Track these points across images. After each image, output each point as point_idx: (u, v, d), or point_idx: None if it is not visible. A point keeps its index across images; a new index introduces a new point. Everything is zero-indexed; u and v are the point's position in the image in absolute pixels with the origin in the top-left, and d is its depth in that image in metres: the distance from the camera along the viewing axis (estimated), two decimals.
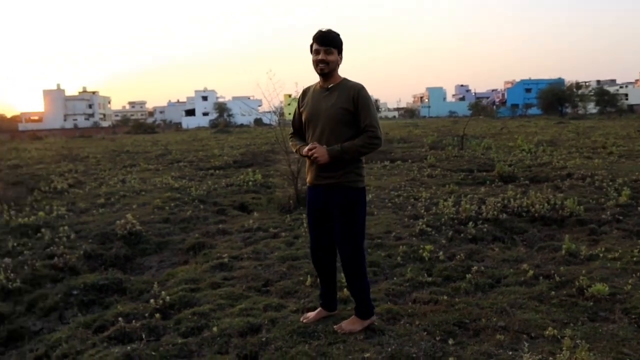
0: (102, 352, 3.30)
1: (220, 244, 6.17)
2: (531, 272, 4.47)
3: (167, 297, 4.08)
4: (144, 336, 3.45)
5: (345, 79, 3.44)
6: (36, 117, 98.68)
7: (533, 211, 6.67)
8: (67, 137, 45.90)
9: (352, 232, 3.39)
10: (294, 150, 3.60)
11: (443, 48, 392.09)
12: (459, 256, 5.04)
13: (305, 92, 3.61)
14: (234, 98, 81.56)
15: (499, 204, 6.99)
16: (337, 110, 3.29)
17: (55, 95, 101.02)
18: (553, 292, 4.02)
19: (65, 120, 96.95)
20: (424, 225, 6.13)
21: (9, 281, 4.79)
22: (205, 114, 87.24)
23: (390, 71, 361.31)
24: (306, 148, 3.32)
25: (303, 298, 4.12)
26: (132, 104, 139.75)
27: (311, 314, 3.63)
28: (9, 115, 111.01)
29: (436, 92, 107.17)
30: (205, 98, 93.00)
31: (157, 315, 3.76)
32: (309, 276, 4.49)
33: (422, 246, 5.30)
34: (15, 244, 6.14)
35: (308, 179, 3.53)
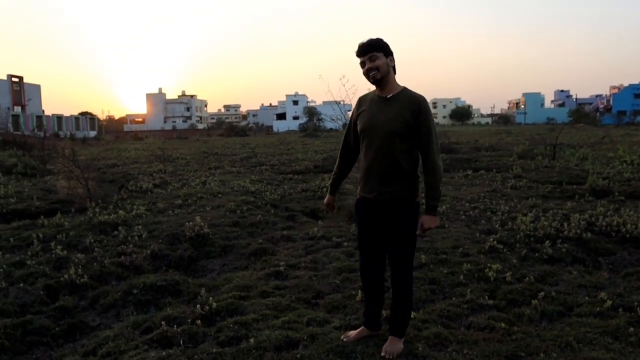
0: (141, 355, 3.33)
1: (282, 250, 6.12)
2: (609, 302, 3.98)
3: (214, 304, 4.07)
4: (182, 342, 3.45)
5: (405, 89, 3.22)
6: (140, 119, 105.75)
7: (624, 231, 6.04)
8: (165, 138, 48.70)
9: (407, 250, 3.23)
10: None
11: (542, 51, 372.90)
12: (528, 278, 4.63)
13: (361, 100, 3.39)
14: (324, 102, 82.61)
15: (584, 221, 6.40)
16: (397, 123, 3.10)
17: (156, 99, 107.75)
18: (632, 329, 3.54)
19: (165, 122, 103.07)
20: (495, 242, 5.72)
21: (77, 276, 5.02)
22: (295, 117, 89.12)
23: (485, 76, 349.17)
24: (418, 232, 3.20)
25: (350, 314, 3.94)
26: (227, 107, 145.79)
27: (352, 333, 3.46)
28: (117, 117, 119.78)
29: (533, 98, 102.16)
30: (296, 102, 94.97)
31: (199, 322, 3.75)
32: (359, 291, 4.30)
33: (489, 265, 4.93)
34: (92, 241, 6.47)
35: (360, 191, 3.36)
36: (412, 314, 3.83)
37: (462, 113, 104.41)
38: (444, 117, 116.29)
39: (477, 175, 12.22)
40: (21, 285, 4.88)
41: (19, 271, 5.29)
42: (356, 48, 3.17)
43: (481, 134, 35.40)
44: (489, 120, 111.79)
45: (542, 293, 4.20)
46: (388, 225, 3.20)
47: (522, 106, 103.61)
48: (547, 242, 5.63)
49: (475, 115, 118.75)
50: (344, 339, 3.39)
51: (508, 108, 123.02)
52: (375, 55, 3.11)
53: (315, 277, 4.89)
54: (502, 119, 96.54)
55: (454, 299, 4.26)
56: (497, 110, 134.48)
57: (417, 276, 4.81)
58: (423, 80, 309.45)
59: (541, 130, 38.64)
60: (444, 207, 7.95)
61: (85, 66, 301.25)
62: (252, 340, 3.39)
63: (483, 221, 7.10)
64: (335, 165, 3.59)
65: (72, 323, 4.25)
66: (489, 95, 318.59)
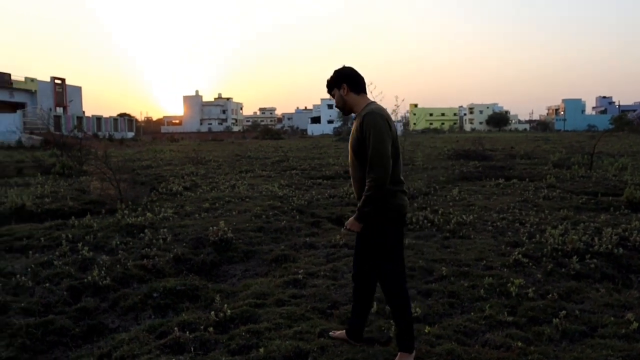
0: None
1: (303, 258, 6.11)
2: (636, 324, 3.82)
3: (229, 311, 4.09)
4: (193, 349, 3.47)
5: (367, 105, 3.36)
6: (177, 121, 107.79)
7: None
8: (200, 140, 49.45)
9: (381, 264, 3.30)
10: None
11: (584, 56, 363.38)
12: (552, 295, 4.48)
13: None
14: None
15: (616, 236, 6.18)
16: (353, 140, 3.30)
17: (193, 101, 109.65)
18: None
19: (201, 124, 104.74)
20: (520, 255, 5.57)
21: (100, 278, 5.13)
22: (330, 121, 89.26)
23: (523, 81, 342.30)
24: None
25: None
26: (262, 110, 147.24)
27: (338, 332, 3.69)
28: (155, 118, 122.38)
29: (573, 104, 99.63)
30: (330, 106, 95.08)
31: (211, 329, 3.77)
32: (375, 303, 4.25)
33: (511, 279, 4.80)
34: (118, 243, 6.60)
35: None
36: (427, 329, 3.77)
37: (499, 119, 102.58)
38: (480, 123, 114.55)
39: (509, 185, 11.96)
40: (47, 285, 5.01)
41: (45, 271, 5.44)
42: None
43: (517, 141, 34.70)
44: (527, 126, 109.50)
45: (565, 311, 4.06)
46: (362, 238, 3.37)
47: (562, 112, 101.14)
48: (575, 257, 5.45)
49: (513, 121, 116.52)
50: (331, 334, 3.67)
51: (547, 114, 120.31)
52: (332, 93, 3.45)
53: (333, 287, 4.86)
54: (541, 126, 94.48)
55: (472, 314, 4.17)
56: (535, 117, 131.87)
57: (436, 289, 4.73)
58: (459, 86, 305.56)
59: (580, 138, 37.57)
60: (471, 217, 7.80)
61: (125, 68, 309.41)
62: (262, 350, 3.39)
63: (510, 233, 6.93)
64: None
65: (92, 324, 4.34)
66: (527, 101, 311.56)
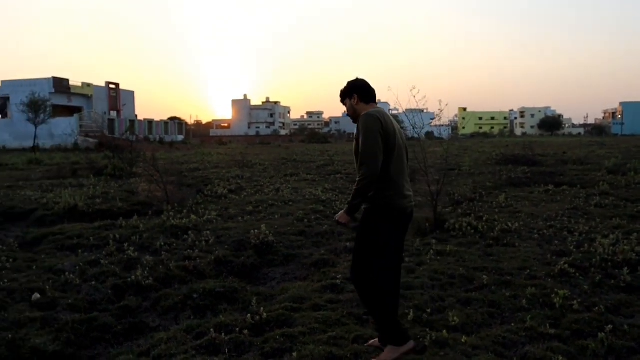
0: None
1: (343, 262, 6.09)
2: None
3: (265, 314, 4.12)
4: (227, 351, 3.51)
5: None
6: (225, 124, 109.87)
7: None
8: (247, 144, 50.20)
9: (360, 250, 3.45)
10: None
11: None
12: (599, 307, 4.29)
13: None
14: (407, 110, 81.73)
15: None
16: (355, 142, 3.50)
17: (242, 105, 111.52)
18: None
19: (249, 127, 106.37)
20: (566, 265, 5.36)
21: (143, 278, 5.28)
22: None
23: (578, 83, 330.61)
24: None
25: None
26: (309, 113, 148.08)
27: (372, 341, 3.67)
28: (204, 122, 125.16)
29: (632, 107, 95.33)
30: None
31: (246, 331, 3.81)
32: (412, 310, 4.19)
33: (556, 290, 4.63)
34: (162, 244, 6.77)
35: None
36: (464, 339, 3.69)
37: (551, 123, 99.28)
38: (532, 127, 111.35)
39: (559, 191, 11.55)
40: (93, 283, 5.20)
41: (93, 269, 5.65)
42: None
43: (570, 146, 33.49)
44: (581, 130, 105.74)
45: (612, 325, 3.87)
46: (358, 235, 3.55)
47: (620, 116, 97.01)
48: (626, 268, 5.20)
49: (567, 125, 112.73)
50: (366, 345, 3.67)
51: (603, 118, 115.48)
52: (344, 102, 3.67)
53: None
54: (596, 130, 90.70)
55: (512, 324, 4.04)
56: (590, 120, 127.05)
57: (475, 298, 4.62)
58: (510, 89, 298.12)
59: (639, 143, 35.96)
60: (516, 225, 7.58)
61: (176, 73, 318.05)
62: (295, 354, 3.40)
63: (557, 241, 6.69)
64: None
65: (133, 323, 4.46)
66: (582, 104, 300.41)
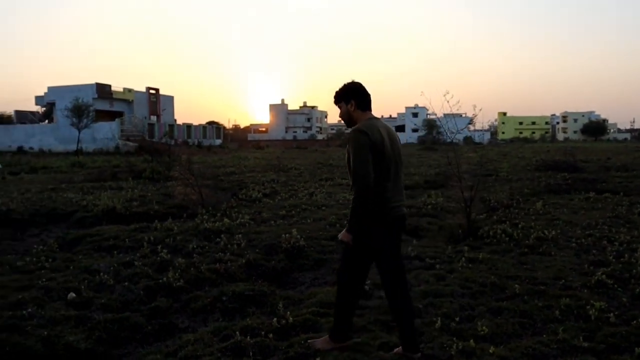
0: None
1: (372, 268, 6.03)
2: None
3: (291, 318, 4.13)
4: (252, 354, 3.53)
5: (365, 121, 3.49)
6: (263, 129, 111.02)
7: None
8: (284, 148, 50.53)
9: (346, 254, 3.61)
10: None
11: None
12: (637, 321, 4.12)
13: None
14: (445, 115, 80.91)
15: None
16: (346, 155, 3.47)
17: (279, 109, 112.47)
18: None
19: (286, 132, 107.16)
20: (604, 276, 5.18)
21: (175, 280, 5.37)
22: (414, 130, 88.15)
23: (624, 87, 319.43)
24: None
25: (425, 342, 3.79)
26: None
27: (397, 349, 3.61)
28: (242, 126, 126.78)
29: None
30: (415, 115, 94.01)
31: (271, 335, 3.82)
32: (439, 318, 4.12)
33: (592, 302, 4.47)
34: (195, 246, 6.88)
35: None
36: (492, 349, 3.60)
37: (595, 128, 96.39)
38: (575, 132, 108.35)
39: (601, 199, 11.18)
40: (126, 283, 5.33)
41: (126, 270, 5.78)
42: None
43: (615, 152, 32.40)
44: (627, 136, 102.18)
45: None
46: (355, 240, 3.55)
47: None
48: None
49: (611, 130, 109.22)
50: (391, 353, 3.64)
51: None
52: (338, 105, 3.62)
53: None
54: None
55: (544, 336, 3.93)
56: (637, 125, 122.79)
57: (506, 307, 4.52)
58: (552, 93, 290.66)
59: None
60: (553, 233, 7.37)
61: (215, 77, 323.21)
62: (318, 359, 3.38)
63: (595, 251, 6.48)
64: None
65: (163, 323, 4.55)
66: (628, 109, 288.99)
